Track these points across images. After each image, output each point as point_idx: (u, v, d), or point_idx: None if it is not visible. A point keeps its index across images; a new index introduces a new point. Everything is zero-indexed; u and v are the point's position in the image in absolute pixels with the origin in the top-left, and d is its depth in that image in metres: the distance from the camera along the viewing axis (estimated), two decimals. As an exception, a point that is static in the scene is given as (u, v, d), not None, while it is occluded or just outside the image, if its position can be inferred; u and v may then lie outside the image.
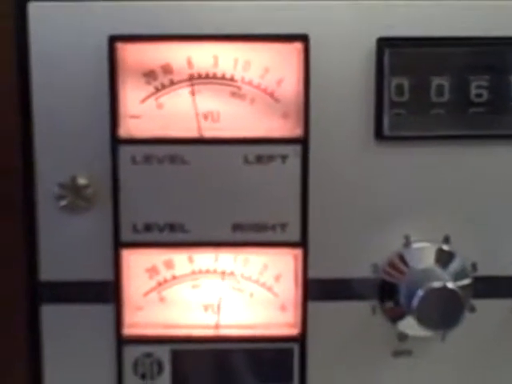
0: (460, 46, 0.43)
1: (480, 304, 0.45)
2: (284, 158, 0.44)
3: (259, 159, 0.44)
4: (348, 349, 0.46)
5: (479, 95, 0.44)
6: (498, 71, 0.43)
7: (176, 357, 0.46)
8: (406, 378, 0.46)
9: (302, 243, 0.45)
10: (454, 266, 0.45)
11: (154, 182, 0.44)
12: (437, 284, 0.43)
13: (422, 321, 0.42)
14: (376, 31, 0.43)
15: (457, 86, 0.44)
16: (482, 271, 0.45)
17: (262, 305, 0.46)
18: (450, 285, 0.42)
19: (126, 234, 0.45)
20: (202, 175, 0.44)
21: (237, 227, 0.45)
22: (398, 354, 0.46)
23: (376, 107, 0.43)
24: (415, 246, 0.45)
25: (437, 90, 0.44)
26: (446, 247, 0.45)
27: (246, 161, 0.44)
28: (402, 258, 0.45)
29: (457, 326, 0.42)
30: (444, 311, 0.42)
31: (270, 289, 0.46)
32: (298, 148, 0.44)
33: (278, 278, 0.46)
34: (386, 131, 0.44)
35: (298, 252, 0.45)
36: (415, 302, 0.42)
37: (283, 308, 0.46)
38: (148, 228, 0.45)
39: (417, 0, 0.43)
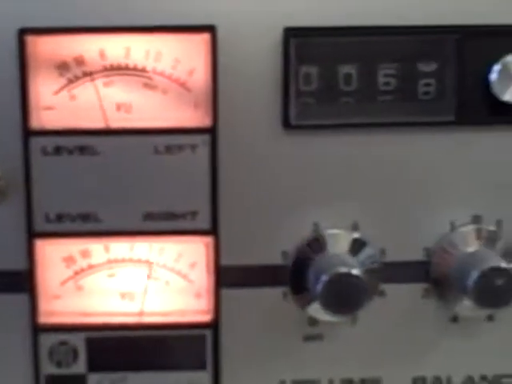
0: (367, 35, 0.43)
1: (390, 288, 0.45)
2: (193, 147, 0.43)
3: (169, 149, 0.43)
4: (261, 334, 0.46)
5: (387, 83, 0.44)
6: (405, 60, 0.43)
7: (91, 344, 0.45)
8: (317, 362, 0.46)
9: (213, 231, 0.44)
10: (364, 252, 0.44)
11: (66, 172, 0.43)
12: (341, 269, 0.43)
13: (327, 306, 0.43)
14: (282, 21, 0.42)
15: (365, 74, 0.43)
16: (391, 257, 0.45)
17: (178, 292, 0.46)
18: (354, 271, 0.42)
19: (39, 225, 0.44)
20: (112, 165, 0.43)
21: (148, 216, 0.44)
22: (309, 338, 0.46)
23: (282, 97, 0.43)
24: (326, 232, 0.45)
25: (345, 79, 0.44)
26: (355, 234, 0.45)
27: (156, 151, 0.43)
28: (311, 245, 0.45)
29: (359, 310, 0.42)
30: (348, 296, 0.42)
31: (185, 276, 0.46)
32: (206, 138, 0.43)
33: (193, 266, 0.46)
34: (293, 120, 0.43)
35: (209, 240, 0.44)
36: (319, 287, 0.42)
37: (198, 295, 0.46)
38: (60, 218, 0.44)
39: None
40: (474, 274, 0.43)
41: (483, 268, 0.43)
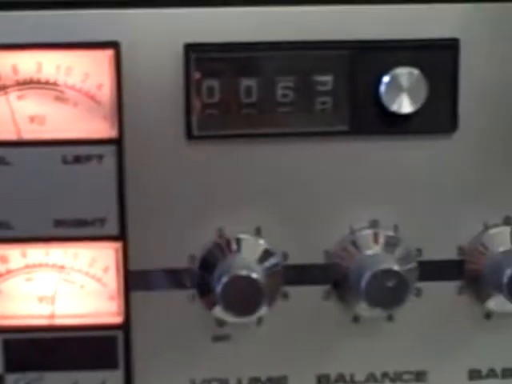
0: (265, 50, 0.45)
1: (292, 290, 0.47)
2: (100, 157, 0.45)
3: (77, 159, 0.45)
4: (171, 335, 0.47)
5: (285, 96, 0.46)
6: (302, 73, 0.45)
7: (8, 346, 0.47)
8: (226, 361, 0.48)
9: (121, 237, 0.46)
10: (267, 255, 0.46)
11: (-20, 182, 0.46)
12: (240, 272, 0.44)
13: (227, 307, 0.44)
14: (183, 38, 0.44)
15: (264, 87, 0.45)
16: (294, 260, 0.47)
17: (93, 295, 0.47)
18: (253, 274, 0.44)
19: (-43, 232, 0.46)
20: (24, 175, 0.45)
21: (60, 223, 0.46)
22: (217, 338, 0.47)
23: (185, 109, 0.45)
24: (231, 236, 0.46)
25: (246, 92, 0.45)
26: (259, 239, 0.46)
27: (65, 161, 0.45)
28: (216, 249, 0.46)
29: (258, 312, 0.44)
30: (247, 298, 0.44)
31: (99, 280, 0.47)
32: (113, 148, 0.45)
33: (106, 270, 0.47)
34: (195, 131, 0.45)
35: (118, 245, 0.46)
36: (219, 289, 0.44)
37: (112, 298, 0.47)
38: (-24, 226, 0.46)
39: (218, 7, 0.45)
40: (367, 276, 0.45)
41: (375, 270, 0.45)
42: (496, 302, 0.47)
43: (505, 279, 0.45)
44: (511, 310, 0.47)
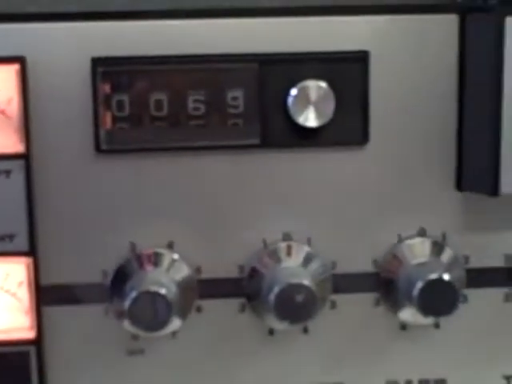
0: (175, 63, 0.44)
1: (206, 304, 0.45)
2: (8, 172, 0.44)
3: (-14, 174, 0.45)
4: (85, 349, 0.47)
5: (197, 109, 0.45)
6: (213, 86, 0.44)
7: None
8: (140, 375, 0.47)
9: (31, 252, 0.45)
10: (179, 270, 0.45)
11: None
12: (150, 288, 0.43)
13: (136, 323, 0.43)
14: (91, 51, 0.43)
15: (175, 101, 0.44)
16: (207, 274, 0.46)
17: (8, 310, 0.46)
18: (162, 290, 0.42)
19: None
20: None
21: (-29, 238, 0.45)
22: (131, 352, 0.47)
23: (94, 123, 0.44)
24: (144, 251, 0.45)
25: (156, 105, 0.44)
26: (173, 253, 0.45)
27: (-26, 176, 0.45)
28: (128, 264, 0.45)
29: (164, 328, 0.43)
30: (153, 314, 0.43)
31: (13, 295, 0.46)
32: (21, 163, 0.44)
33: (20, 285, 0.46)
34: (104, 145, 0.44)
35: (29, 261, 0.45)
36: (127, 304, 0.43)
37: (26, 313, 0.46)
38: None
39: (126, 21, 0.43)
40: (276, 290, 0.44)
41: (284, 284, 0.44)
42: (409, 314, 0.46)
43: (415, 291, 0.44)
44: (423, 322, 0.46)
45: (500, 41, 0.42)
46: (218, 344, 0.47)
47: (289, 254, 0.46)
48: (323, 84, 0.44)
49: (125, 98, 0.44)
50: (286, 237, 0.46)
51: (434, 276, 0.44)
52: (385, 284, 0.47)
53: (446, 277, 0.44)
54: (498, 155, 0.43)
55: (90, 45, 0.44)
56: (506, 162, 0.43)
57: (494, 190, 0.43)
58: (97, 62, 0.43)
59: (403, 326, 0.47)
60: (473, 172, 0.45)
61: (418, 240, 0.46)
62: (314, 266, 0.46)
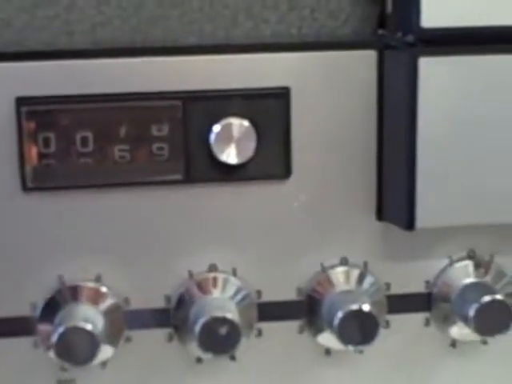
0: (99, 102, 0.43)
1: (135, 334, 0.45)
2: None
3: None
4: (15, 382, 0.46)
5: (122, 146, 0.44)
6: (139, 123, 0.43)
7: None
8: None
9: (-40, 287, 0.45)
10: (107, 302, 0.44)
11: None
12: (76, 324, 0.42)
13: (62, 355, 0.42)
14: (15, 91, 0.43)
15: (101, 137, 0.43)
16: (136, 305, 0.45)
17: None
18: (88, 326, 0.42)
19: None
20: None
21: None
22: (62, 382, 0.46)
23: (19, 161, 0.43)
24: (71, 285, 0.45)
25: (82, 142, 0.44)
26: (100, 286, 0.45)
27: None
28: (56, 297, 0.45)
29: (90, 361, 0.43)
30: (77, 349, 0.42)
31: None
32: None
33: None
34: (30, 183, 0.43)
35: (-42, 296, 0.45)
36: (55, 338, 0.42)
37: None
38: None
39: (50, 61, 0.43)
40: (200, 323, 0.43)
41: (207, 318, 0.43)
42: (332, 340, 0.45)
43: (336, 321, 0.44)
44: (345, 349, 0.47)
45: (414, 80, 0.42)
46: (148, 372, 0.47)
47: (214, 285, 0.46)
48: (245, 122, 0.43)
49: (51, 135, 0.43)
50: (212, 267, 0.46)
51: (354, 307, 0.44)
52: (308, 311, 0.47)
53: (366, 308, 0.44)
54: (413, 191, 0.43)
55: (14, 84, 0.43)
56: (421, 197, 0.43)
57: (409, 224, 0.43)
58: (21, 102, 0.43)
59: (327, 352, 0.48)
60: (391, 205, 0.45)
61: (340, 269, 0.46)
62: (239, 296, 0.46)
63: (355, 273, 0.46)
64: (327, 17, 0.46)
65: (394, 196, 0.45)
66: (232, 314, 0.43)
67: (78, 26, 0.45)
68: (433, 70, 0.42)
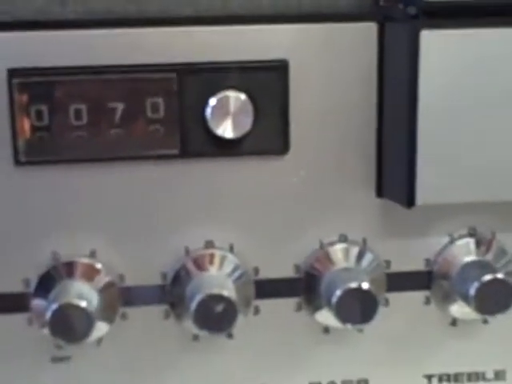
0: (92, 73, 0.42)
1: (130, 311, 0.44)
2: None
3: None
4: (10, 358, 0.45)
5: (116, 118, 0.42)
6: (134, 96, 0.42)
7: None
8: (66, 383, 0.46)
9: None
10: (101, 279, 0.44)
11: None
12: (71, 300, 0.41)
13: (56, 333, 0.42)
14: (6, 63, 0.42)
15: (95, 110, 0.42)
16: (131, 281, 0.44)
17: None
18: (82, 303, 0.41)
19: None
20: None
21: None
22: (56, 360, 0.46)
23: (11, 134, 0.42)
24: (66, 261, 0.44)
25: (75, 115, 0.42)
26: (95, 262, 0.44)
27: None
28: (50, 273, 0.44)
29: (84, 340, 0.42)
30: (72, 326, 0.41)
31: None
32: None
33: None
34: (22, 157, 0.42)
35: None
36: (48, 315, 0.41)
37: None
38: None
39: (41, 31, 0.41)
40: (196, 299, 0.43)
41: (202, 295, 0.42)
42: (330, 318, 0.44)
43: (335, 299, 0.43)
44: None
45: (415, 54, 0.41)
46: (144, 350, 0.46)
47: (211, 261, 0.45)
48: (242, 95, 0.42)
49: (43, 108, 0.42)
50: (209, 244, 0.45)
51: (353, 285, 0.43)
52: (307, 289, 0.46)
53: (365, 286, 0.43)
54: (413, 167, 0.42)
55: (5, 56, 0.42)
56: (421, 174, 0.42)
57: (409, 201, 0.42)
58: (12, 73, 0.42)
59: (326, 330, 0.47)
60: (391, 181, 0.44)
61: (339, 246, 0.46)
62: (237, 273, 0.45)
63: (354, 250, 0.46)
64: None
65: (394, 172, 0.44)
66: (229, 292, 0.43)
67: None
68: (435, 44, 0.41)
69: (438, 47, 0.41)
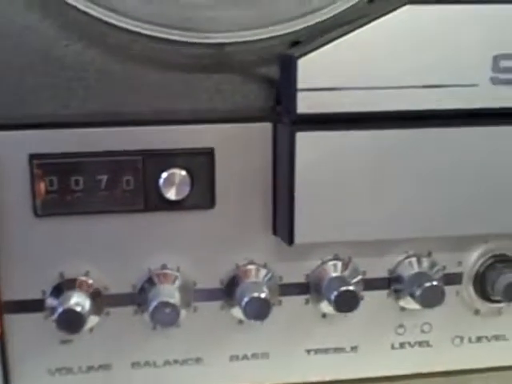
0: (84, 157, 0.49)
1: (113, 311, 0.53)
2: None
3: None
4: (29, 342, 0.52)
5: (102, 186, 0.50)
6: (112, 172, 0.49)
7: None
8: (70, 358, 0.53)
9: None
10: (91, 288, 0.51)
11: None
12: (68, 307, 0.50)
13: (60, 328, 0.49)
14: (28, 149, 0.48)
15: (88, 180, 0.49)
16: (112, 290, 0.53)
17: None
18: (76, 307, 0.50)
19: None
20: None
21: None
22: (63, 342, 0.52)
23: (32, 196, 0.49)
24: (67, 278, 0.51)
25: (75, 183, 0.50)
26: (87, 278, 0.52)
27: None
28: (59, 286, 0.51)
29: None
30: (72, 324, 0.49)
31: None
32: None
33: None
34: (40, 211, 0.49)
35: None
36: (55, 317, 0.49)
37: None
38: None
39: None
40: (153, 304, 0.50)
41: (157, 301, 0.49)
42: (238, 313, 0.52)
43: (243, 303, 0.50)
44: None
45: (292, 148, 0.47)
46: (120, 336, 0.52)
47: (165, 278, 0.51)
48: (183, 171, 0.50)
49: (54, 178, 0.49)
50: (164, 266, 0.52)
51: (255, 294, 0.50)
52: (227, 294, 0.52)
53: (263, 295, 0.50)
54: (292, 219, 0.48)
55: (27, 145, 0.48)
56: (298, 223, 0.48)
57: (290, 241, 0.49)
58: (32, 157, 0.48)
59: (240, 321, 0.53)
60: (280, 226, 0.51)
61: (250, 267, 0.52)
62: (182, 285, 0.52)
63: (260, 269, 0.53)
64: (242, 98, 0.52)
65: (281, 221, 0.51)
66: (174, 300, 0.50)
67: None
68: (306, 142, 0.47)
69: (309, 144, 0.47)
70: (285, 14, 0.50)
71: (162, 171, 0.50)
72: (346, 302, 0.51)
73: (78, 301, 0.50)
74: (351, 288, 0.51)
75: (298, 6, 0.50)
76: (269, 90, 0.51)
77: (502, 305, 0.56)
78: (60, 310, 0.49)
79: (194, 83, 0.51)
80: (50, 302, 0.51)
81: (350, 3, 0.50)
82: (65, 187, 0.50)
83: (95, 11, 0.47)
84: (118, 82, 0.50)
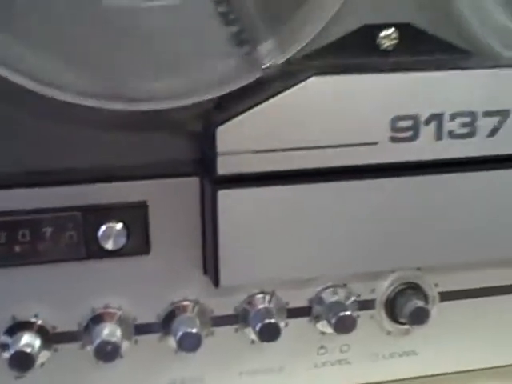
0: (29, 214, 0.53)
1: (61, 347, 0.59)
2: None
3: None
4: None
5: (47, 239, 0.54)
6: (56, 225, 0.53)
7: None
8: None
9: None
10: (40, 330, 0.57)
11: None
12: (21, 349, 0.55)
13: (12, 368, 0.54)
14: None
15: (33, 232, 0.53)
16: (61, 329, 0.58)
17: None
18: (26, 349, 0.55)
19: None
20: None
21: None
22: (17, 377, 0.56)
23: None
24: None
25: (22, 235, 0.54)
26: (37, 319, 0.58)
27: None
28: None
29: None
30: (23, 365, 0.53)
31: None
32: None
33: None
34: (-8, 263, 0.55)
35: None
36: (7, 357, 0.53)
37: None
38: None
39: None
40: (96, 342, 0.55)
41: (100, 340, 0.55)
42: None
43: (177, 337, 0.57)
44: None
45: (215, 207, 0.51)
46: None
47: (108, 316, 0.56)
48: (120, 224, 0.54)
49: (2, 233, 0.54)
50: (107, 306, 0.56)
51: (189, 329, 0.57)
52: (165, 326, 0.57)
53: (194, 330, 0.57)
54: (217, 264, 0.53)
55: None
56: (223, 269, 0.53)
57: (216, 283, 0.53)
58: None
59: None
60: (209, 269, 0.55)
61: (184, 303, 0.57)
62: (123, 321, 0.56)
63: (193, 305, 0.58)
64: (172, 152, 0.55)
65: (209, 264, 0.55)
66: (116, 338, 0.55)
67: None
68: (228, 198, 0.51)
69: (230, 200, 0.51)
70: (211, 81, 0.54)
71: (101, 224, 0.53)
72: (269, 333, 0.56)
73: (29, 341, 0.54)
74: (273, 321, 0.56)
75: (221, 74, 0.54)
76: (197, 144, 0.55)
77: (409, 326, 0.63)
78: (12, 351, 0.52)
79: (124, 140, 0.54)
80: (4, 339, 0.54)
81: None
82: (13, 239, 0.53)
83: (30, 86, 0.51)
84: (52, 140, 0.54)
